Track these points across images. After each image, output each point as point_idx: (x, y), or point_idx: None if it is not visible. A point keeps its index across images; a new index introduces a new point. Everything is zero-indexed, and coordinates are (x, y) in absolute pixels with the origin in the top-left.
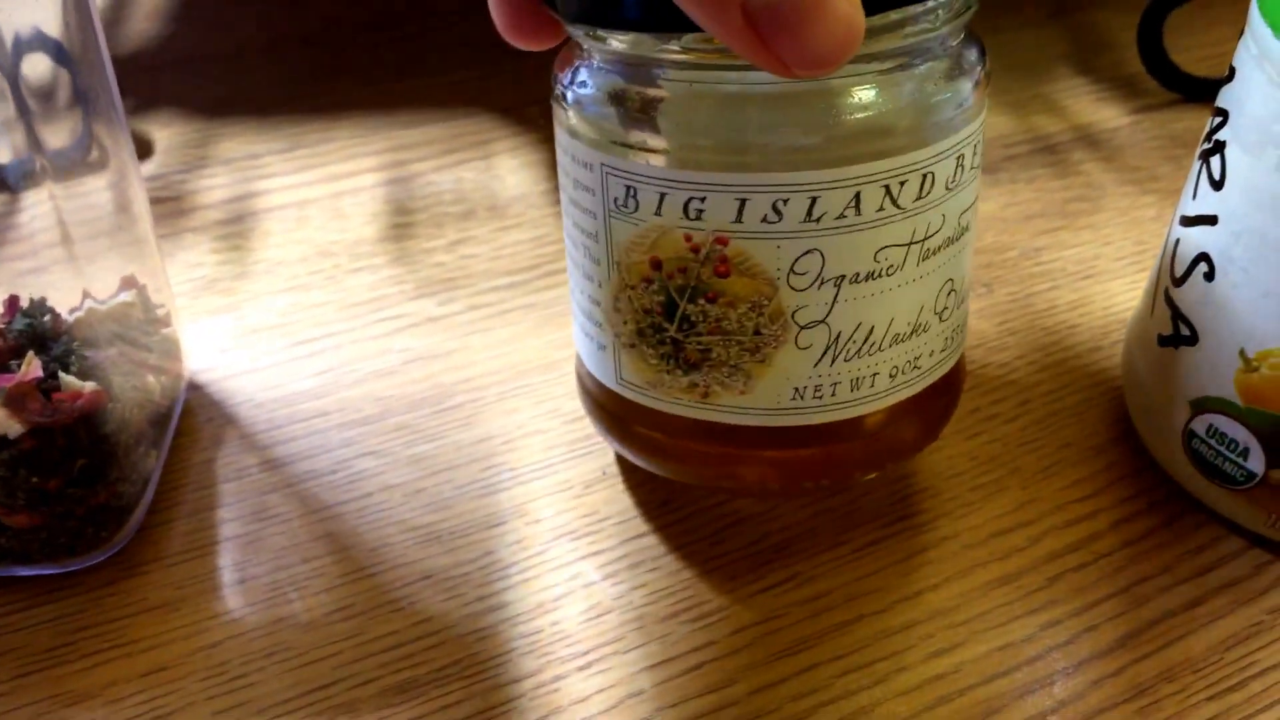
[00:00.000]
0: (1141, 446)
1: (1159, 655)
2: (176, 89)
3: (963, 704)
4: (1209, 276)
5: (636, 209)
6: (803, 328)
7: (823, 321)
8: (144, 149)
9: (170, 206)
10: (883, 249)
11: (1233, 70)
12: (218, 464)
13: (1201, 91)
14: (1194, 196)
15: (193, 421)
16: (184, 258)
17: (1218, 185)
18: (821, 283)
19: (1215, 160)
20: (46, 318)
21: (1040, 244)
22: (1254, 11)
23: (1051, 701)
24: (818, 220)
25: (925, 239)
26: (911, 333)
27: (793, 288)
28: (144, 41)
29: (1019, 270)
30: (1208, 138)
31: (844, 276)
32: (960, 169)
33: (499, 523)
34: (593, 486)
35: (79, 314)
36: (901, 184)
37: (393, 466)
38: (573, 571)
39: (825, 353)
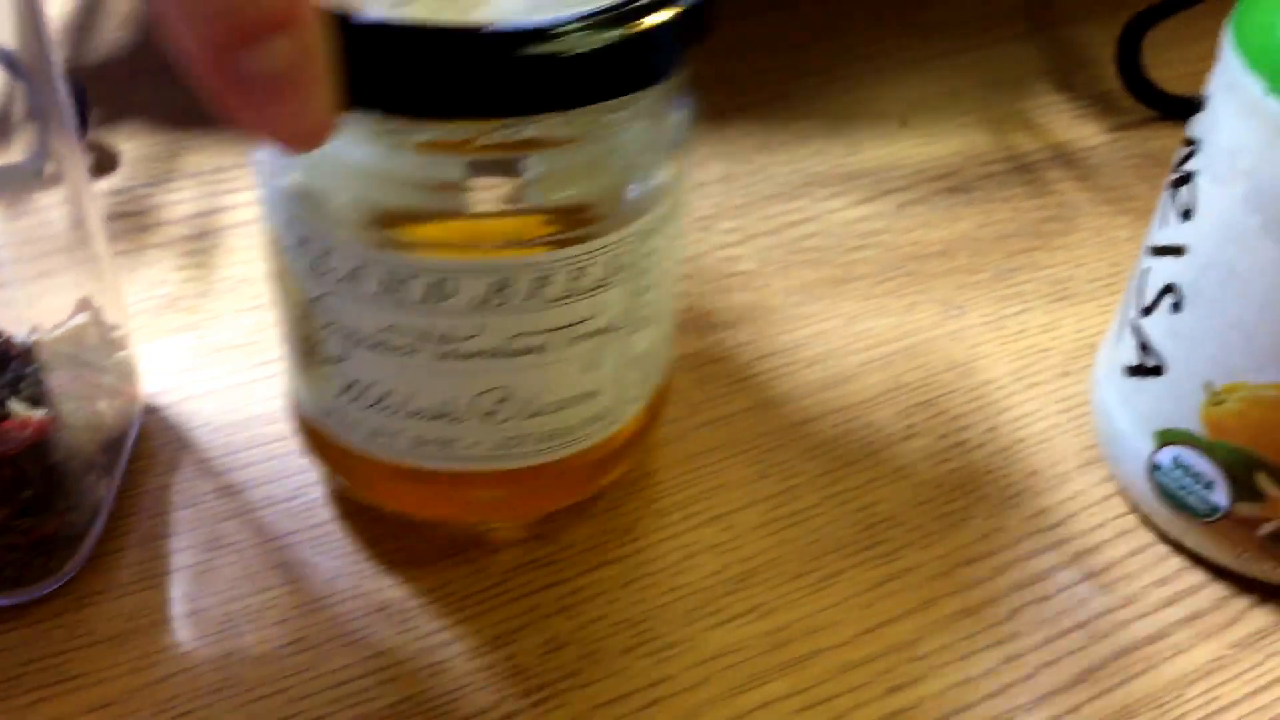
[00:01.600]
0: (1109, 475)
1: (1120, 690)
2: (146, 100)
3: None
4: (1176, 307)
5: None
6: (323, 360)
7: (339, 362)
8: (109, 162)
9: (134, 221)
10: (387, 327)
11: (1205, 99)
12: (172, 490)
13: (1179, 109)
14: (1162, 226)
15: (148, 446)
16: (146, 275)
17: (1186, 216)
18: (331, 324)
19: (1185, 190)
20: None
21: (1014, 265)
22: (1227, 40)
23: None
24: (323, 275)
25: (441, 338)
26: (436, 415)
27: (314, 318)
28: (115, 50)
29: (992, 292)
30: (1177, 167)
31: (352, 331)
32: (508, 294)
33: (457, 552)
34: (554, 516)
35: (34, 338)
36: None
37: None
38: (531, 604)
39: (345, 390)
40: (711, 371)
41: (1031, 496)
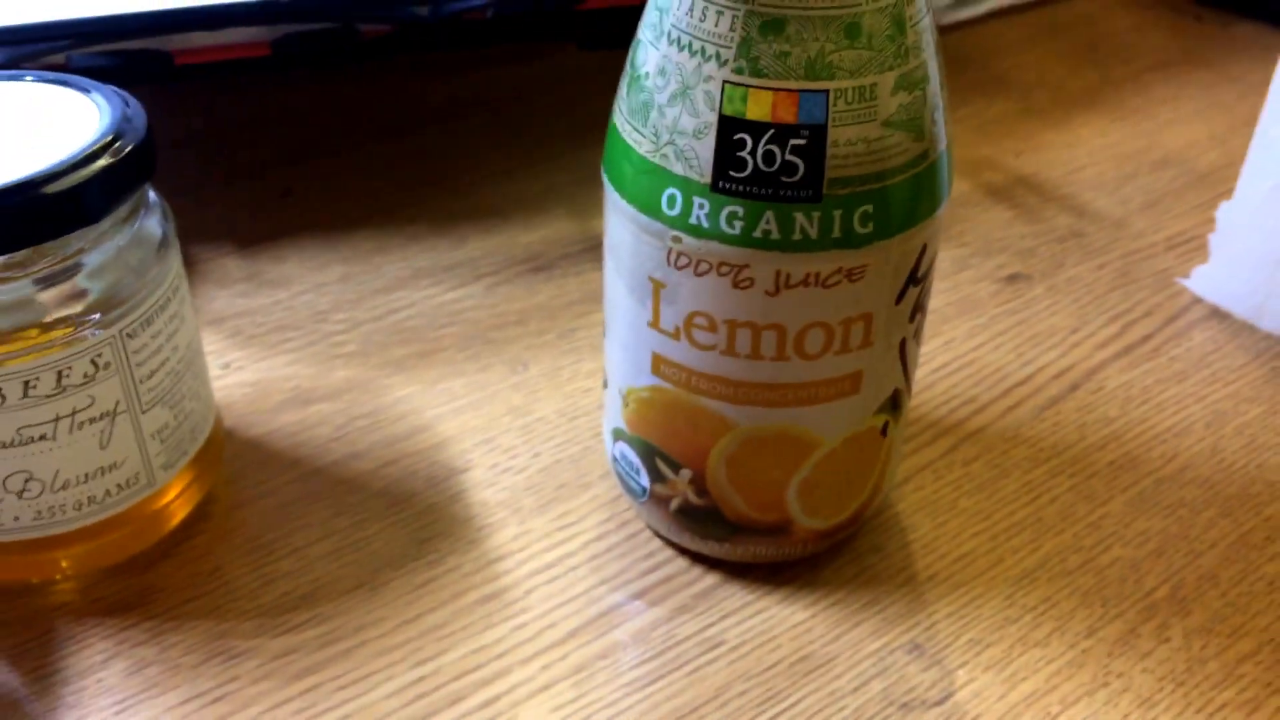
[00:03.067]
0: None
1: (600, 640)
2: None
3: (436, 698)
4: (606, 334)
5: None
6: None
7: None
8: None
9: None
10: None
11: None
12: None
13: None
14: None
15: None
16: None
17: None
18: None
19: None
20: None
21: (574, 325)
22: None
23: (506, 685)
24: None
25: None
26: None
27: None
28: None
29: (554, 349)
30: None
31: None
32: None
33: (18, 595)
34: (150, 566)
35: None
36: None
37: None
38: (123, 636)
39: None
40: (309, 435)
41: (559, 503)
